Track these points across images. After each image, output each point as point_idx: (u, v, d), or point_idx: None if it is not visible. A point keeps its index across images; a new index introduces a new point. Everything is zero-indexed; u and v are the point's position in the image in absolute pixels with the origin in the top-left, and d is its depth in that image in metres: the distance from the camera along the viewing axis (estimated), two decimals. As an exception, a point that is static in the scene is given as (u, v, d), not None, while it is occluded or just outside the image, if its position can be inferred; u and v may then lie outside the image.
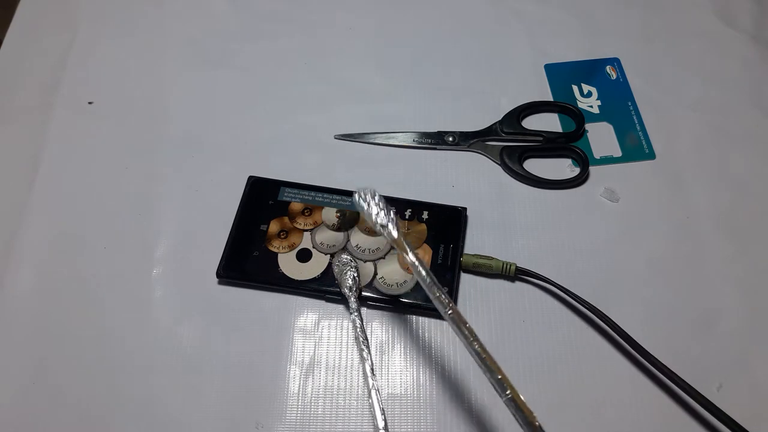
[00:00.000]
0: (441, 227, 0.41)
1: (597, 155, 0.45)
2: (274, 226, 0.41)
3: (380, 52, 0.51)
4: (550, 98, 0.48)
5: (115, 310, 0.39)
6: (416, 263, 0.32)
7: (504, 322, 0.39)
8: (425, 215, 0.42)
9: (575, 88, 0.49)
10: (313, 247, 0.40)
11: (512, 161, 0.44)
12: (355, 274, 0.38)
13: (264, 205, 0.42)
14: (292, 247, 0.40)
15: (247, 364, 0.37)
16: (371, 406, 0.33)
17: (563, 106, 0.48)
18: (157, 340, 0.38)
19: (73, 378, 0.37)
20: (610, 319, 0.37)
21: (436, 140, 0.46)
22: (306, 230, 0.41)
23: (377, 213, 0.33)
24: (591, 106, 0.48)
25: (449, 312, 0.30)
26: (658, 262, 0.41)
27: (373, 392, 0.33)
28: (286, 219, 0.42)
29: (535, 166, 0.45)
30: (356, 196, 0.34)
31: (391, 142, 0.46)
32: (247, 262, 0.40)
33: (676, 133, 0.47)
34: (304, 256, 0.40)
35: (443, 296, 0.31)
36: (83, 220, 0.43)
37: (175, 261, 0.41)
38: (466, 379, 0.37)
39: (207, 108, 0.48)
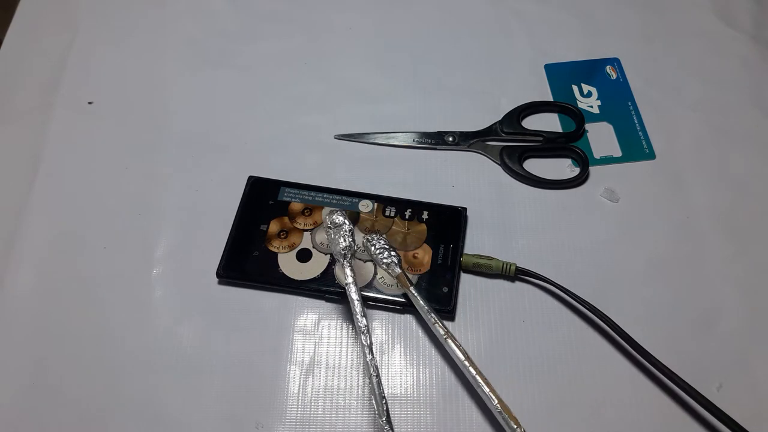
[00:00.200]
0: (441, 227, 0.41)
1: (597, 155, 0.45)
2: (274, 226, 0.41)
3: (380, 52, 0.51)
4: (550, 98, 0.48)
5: (115, 310, 0.39)
6: (416, 295, 0.36)
7: (504, 322, 0.39)
8: (425, 215, 0.42)
9: (575, 88, 0.49)
10: (313, 247, 0.40)
11: (512, 161, 0.44)
12: (351, 239, 0.36)
13: (264, 205, 0.42)
14: (292, 247, 0.40)
15: (247, 364, 0.37)
16: (372, 391, 0.32)
17: (563, 106, 0.48)
18: (157, 340, 0.38)
19: (73, 378, 0.37)
20: (610, 319, 0.37)
21: (436, 140, 0.46)
22: (306, 230, 0.41)
23: (381, 253, 0.38)
24: (591, 106, 0.48)
25: (445, 337, 0.35)
26: (658, 262, 0.41)
27: (372, 378, 0.32)
28: (286, 219, 0.42)
29: (535, 166, 0.45)
30: (364, 240, 0.39)
31: (391, 142, 0.46)
32: (247, 262, 0.40)
33: (676, 133, 0.47)
34: (304, 256, 0.40)
35: (439, 324, 0.35)
36: (83, 220, 0.43)
37: (175, 261, 0.41)
38: (467, 379, 0.37)
39: (207, 108, 0.48)
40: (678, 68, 0.50)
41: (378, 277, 0.39)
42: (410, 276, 0.39)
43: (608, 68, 0.50)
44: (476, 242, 0.42)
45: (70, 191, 0.44)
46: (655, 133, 0.46)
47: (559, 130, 0.47)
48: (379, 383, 0.33)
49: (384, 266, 0.38)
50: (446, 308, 0.38)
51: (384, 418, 0.32)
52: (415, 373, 0.37)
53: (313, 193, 0.43)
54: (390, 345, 0.38)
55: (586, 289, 0.39)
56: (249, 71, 0.50)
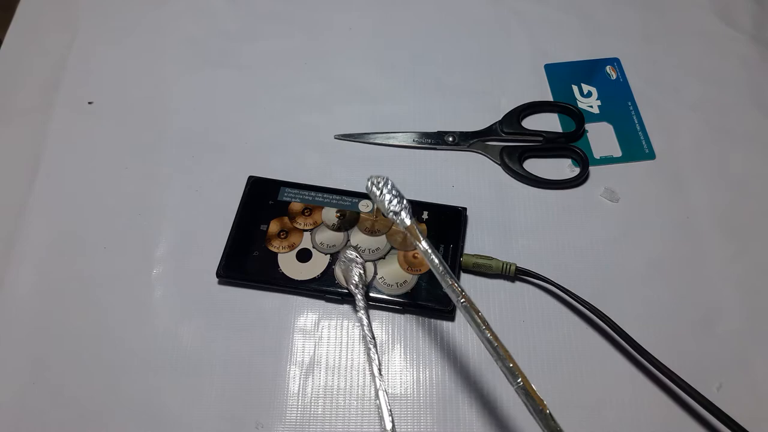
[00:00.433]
0: (441, 227, 0.41)
1: (597, 155, 0.45)
2: (274, 226, 0.41)
3: (380, 52, 0.51)
4: (550, 98, 0.48)
5: (115, 310, 0.39)
6: (429, 251, 0.31)
7: (504, 322, 0.39)
8: (425, 215, 0.42)
9: (575, 88, 0.49)
10: (313, 247, 0.40)
11: (512, 161, 0.44)
12: (362, 271, 0.38)
13: (264, 205, 0.42)
14: (292, 247, 0.40)
15: (247, 364, 0.37)
16: (378, 407, 0.33)
17: (563, 106, 0.48)
18: (157, 340, 0.38)
19: (73, 378, 0.37)
20: (610, 319, 0.37)
21: (436, 140, 0.46)
22: (306, 230, 0.41)
23: (390, 200, 0.33)
24: (591, 106, 0.48)
25: (462, 300, 0.30)
26: (658, 262, 0.41)
27: (381, 393, 0.33)
28: (286, 219, 0.42)
29: (535, 166, 0.45)
30: (369, 183, 0.34)
31: (391, 142, 0.46)
32: (247, 262, 0.40)
33: (676, 133, 0.47)
34: (304, 256, 0.40)
35: (456, 285, 0.31)
36: (83, 220, 0.43)
37: (175, 261, 0.41)
38: (467, 379, 0.37)
39: (207, 108, 0.48)
40: (678, 68, 0.50)
41: (378, 277, 0.39)
42: (407, 276, 0.39)
43: (608, 68, 0.50)
44: (476, 242, 0.42)
45: (70, 191, 0.44)
46: (655, 133, 0.46)
47: (559, 130, 0.47)
48: (387, 398, 0.33)
49: (392, 215, 0.32)
50: (446, 308, 0.38)
51: (389, 430, 0.32)
52: (415, 373, 0.37)
53: (313, 193, 0.43)
54: (390, 345, 0.38)
55: (586, 289, 0.39)
56: (249, 71, 0.50)
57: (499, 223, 0.42)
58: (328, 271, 0.39)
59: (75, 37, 0.52)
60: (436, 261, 0.31)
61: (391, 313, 0.39)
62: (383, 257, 0.40)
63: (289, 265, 0.40)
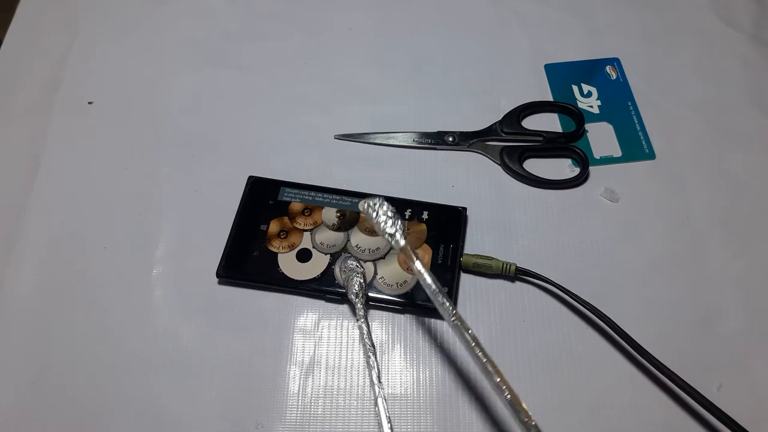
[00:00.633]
0: (441, 227, 0.41)
1: (597, 155, 0.45)
2: (274, 226, 0.41)
3: (380, 52, 0.51)
4: (550, 98, 0.48)
5: (115, 310, 0.39)
6: (422, 272, 0.32)
7: (504, 322, 0.39)
8: (425, 215, 0.42)
9: (575, 88, 0.49)
10: (313, 247, 0.40)
11: (512, 161, 0.44)
12: (362, 280, 0.38)
13: (264, 205, 0.42)
14: (292, 247, 0.40)
15: (247, 364, 0.37)
16: (377, 414, 0.33)
17: (563, 106, 0.48)
18: (157, 340, 0.38)
19: (73, 378, 0.37)
20: (610, 319, 0.37)
21: (436, 140, 0.46)
22: (306, 230, 0.41)
23: (385, 221, 0.33)
24: (591, 106, 0.48)
25: (453, 319, 0.31)
26: (658, 262, 0.41)
27: (380, 401, 0.33)
28: (286, 219, 0.42)
29: (535, 166, 0.45)
30: (365, 204, 0.34)
31: (391, 142, 0.46)
32: (247, 262, 0.40)
33: (676, 133, 0.47)
34: (304, 256, 0.40)
35: (447, 304, 0.32)
36: (83, 220, 0.43)
37: (175, 261, 0.41)
38: (467, 379, 0.37)
39: (207, 108, 0.48)
40: (678, 68, 0.50)
41: (378, 277, 0.39)
42: (406, 279, 0.39)
43: (608, 68, 0.50)
44: (476, 242, 0.42)
45: (70, 191, 0.44)
46: (655, 133, 0.46)
47: (559, 130, 0.47)
48: (386, 406, 0.33)
49: (387, 236, 0.33)
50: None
51: None
52: (415, 373, 0.37)
53: (313, 193, 0.43)
54: (390, 345, 0.38)
55: (586, 289, 0.39)
56: (249, 71, 0.50)
57: (499, 223, 0.42)
58: (328, 271, 0.39)
59: (75, 37, 0.52)
60: (429, 280, 0.32)
61: (391, 313, 0.39)
62: (383, 257, 0.40)
63: (289, 265, 0.40)
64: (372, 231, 0.41)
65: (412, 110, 0.48)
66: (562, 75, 0.50)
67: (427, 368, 0.37)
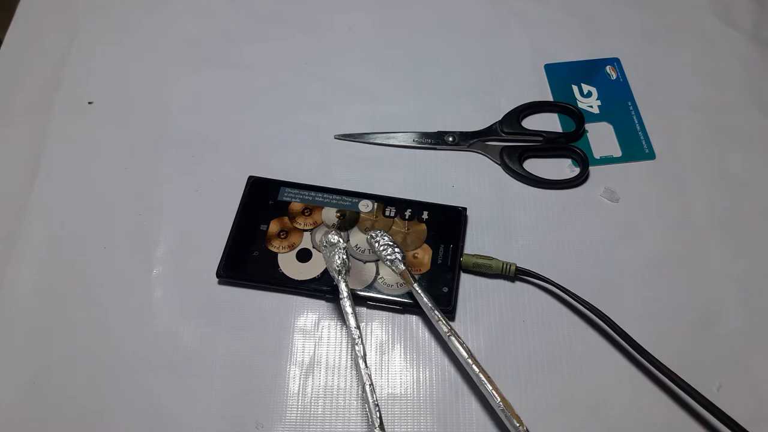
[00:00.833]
0: (441, 227, 0.41)
1: (597, 155, 0.45)
2: (274, 226, 0.41)
3: (380, 52, 0.51)
4: (550, 98, 0.48)
5: (115, 310, 0.39)
6: (420, 292, 0.36)
7: (504, 322, 0.39)
8: (425, 215, 0.42)
9: (575, 88, 0.49)
10: (313, 247, 0.40)
11: (512, 161, 0.44)
12: (344, 256, 0.37)
13: (264, 205, 0.42)
14: (292, 247, 0.40)
15: (247, 364, 0.37)
16: (365, 400, 0.33)
17: (563, 106, 0.48)
18: (157, 340, 0.38)
19: (73, 378, 0.37)
20: (610, 319, 0.37)
21: (436, 140, 0.46)
22: (306, 230, 0.41)
23: (385, 249, 0.38)
24: (591, 106, 0.48)
25: (448, 334, 0.35)
26: (658, 262, 0.41)
27: (367, 386, 0.33)
28: (286, 219, 0.42)
29: (535, 166, 0.45)
30: (368, 237, 0.39)
31: (391, 142, 0.46)
32: (247, 262, 0.40)
33: (676, 133, 0.47)
34: (304, 256, 0.40)
35: (443, 321, 0.35)
36: (83, 220, 0.43)
37: (175, 261, 0.41)
38: (466, 379, 0.37)
39: (207, 108, 0.48)
40: (678, 68, 0.50)
41: (379, 277, 0.39)
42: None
43: (608, 68, 0.50)
44: (476, 242, 0.42)
45: (70, 191, 0.44)
46: (655, 133, 0.46)
47: (559, 130, 0.47)
48: (373, 392, 0.33)
49: (388, 263, 0.37)
50: (446, 308, 0.38)
51: (377, 426, 0.32)
52: (415, 373, 0.37)
53: (313, 193, 0.43)
54: (390, 345, 0.38)
55: (586, 289, 0.39)
56: (249, 71, 0.50)
57: (499, 223, 0.42)
58: (328, 271, 0.39)
59: (75, 37, 0.52)
60: (425, 299, 0.36)
61: (391, 313, 0.39)
62: (383, 257, 0.40)
63: (289, 265, 0.40)
64: (374, 228, 0.41)
65: (412, 110, 0.48)
66: (562, 75, 0.50)
67: (427, 368, 0.37)
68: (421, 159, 0.45)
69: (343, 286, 0.36)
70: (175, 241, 0.42)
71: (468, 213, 0.42)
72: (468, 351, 0.34)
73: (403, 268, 0.37)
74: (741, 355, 0.38)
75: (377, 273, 0.39)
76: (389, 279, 0.39)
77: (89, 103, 0.48)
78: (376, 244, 0.38)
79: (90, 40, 0.52)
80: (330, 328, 0.39)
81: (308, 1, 0.54)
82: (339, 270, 0.36)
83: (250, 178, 0.43)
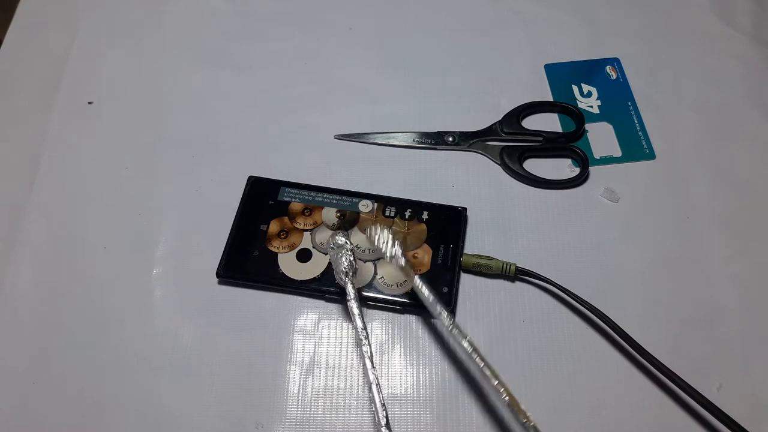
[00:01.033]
0: (441, 227, 0.41)
1: (597, 155, 0.45)
2: (274, 226, 0.41)
3: (380, 52, 0.51)
4: (550, 98, 0.48)
5: (115, 310, 0.39)
6: (420, 287, 0.35)
7: (504, 322, 0.39)
8: (425, 215, 0.42)
9: (575, 88, 0.49)
10: (313, 247, 0.40)
11: (512, 161, 0.44)
12: (351, 258, 0.37)
13: (264, 205, 0.42)
14: (292, 247, 0.41)
15: (247, 364, 0.37)
16: (372, 400, 0.33)
17: (563, 106, 0.48)
18: (157, 340, 0.38)
19: (73, 378, 0.37)
20: (609, 319, 0.37)
21: (436, 140, 0.46)
22: (306, 230, 0.41)
23: (385, 243, 0.37)
24: (591, 106, 0.48)
25: (450, 328, 0.34)
26: (658, 262, 0.41)
27: (373, 386, 0.33)
28: (286, 219, 0.42)
29: (535, 166, 0.45)
30: (369, 231, 0.38)
31: (391, 142, 0.46)
32: (247, 262, 0.40)
33: (676, 133, 0.47)
34: (304, 256, 0.40)
35: (444, 315, 0.34)
36: (83, 220, 0.43)
37: (175, 261, 0.41)
38: (467, 379, 0.37)
39: (207, 108, 0.48)
40: (678, 68, 0.50)
41: (378, 277, 0.39)
42: (406, 279, 0.39)
43: (608, 68, 0.50)
44: (476, 242, 0.42)
45: (70, 191, 0.44)
46: (655, 133, 0.46)
47: (559, 130, 0.47)
48: (380, 392, 0.33)
49: (388, 258, 0.37)
50: (446, 308, 0.38)
51: (384, 426, 0.32)
52: (415, 373, 0.37)
53: (313, 193, 0.43)
54: (390, 345, 0.38)
55: (586, 289, 0.39)
56: (249, 71, 0.50)
57: (499, 223, 0.42)
58: (328, 271, 0.39)
59: (75, 37, 0.52)
60: (426, 293, 0.35)
61: (391, 313, 0.39)
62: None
63: (289, 265, 0.40)
64: (373, 223, 0.41)
65: (412, 110, 0.48)
66: (562, 75, 0.50)
67: (427, 368, 0.37)
68: (421, 159, 0.45)
69: (350, 288, 0.36)
70: (175, 241, 0.42)
71: (468, 213, 0.42)
72: (472, 345, 0.33)
73: (404, 262, 0.36)
74: (741, 355, 0.38)
75: (375, 272, 0.39)
76: (389, 279, 0.39)
77: (89, 103, 0.48)
78: (376, 239, 0.37)
79: (90, 40, 0.52)
80: (330, 328, 0.39)
81: (308, 1, 0.54)
82: (346, 272, 0.37)
83: (250, 178, 0.43)
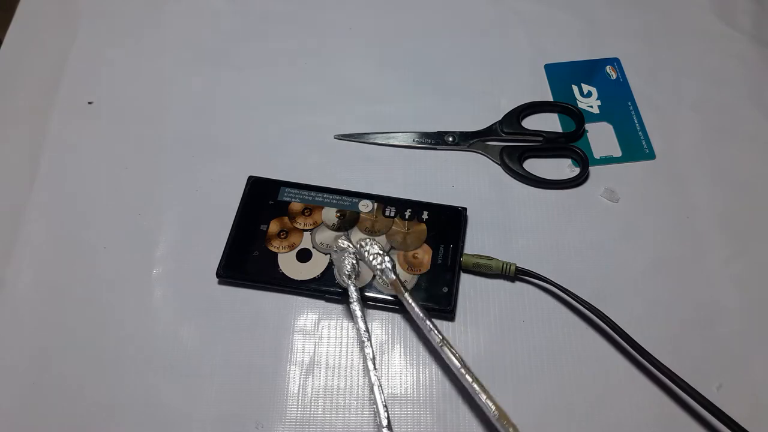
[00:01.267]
0: (441, 227, 0.41)
1: (597, 155, 0.45)
2: (274, 226, 0.41)
3: (380, 52, 0.51)
4: (550, 98, 0.48)
5: (115, 310, 0.39)
6: (411, 303, 0.36)
7: (504, 322, 0.39)
8: (425, 215, 0.42)
9: (575, 88, 0.49)
10: (313, 247, 0.40)
11: (512, 161, 0.44)
12: (354, 261, 0.37)
13: (264, 205, 0.42)
14: (292, 247, 0.40)
15: (247, 364, 0.37)
16: (374, 402, 0.33)
17: (563, 106, 0.48)
18: (157, 340, 0.38)
19: (74, 378, 0.37)
20: (610, 319, 0.37)
21: (436, 140, 0.46)
22: (306, 230, 0.41)
23: (374, 258, 0.37)
24: (591, 106, 0.48)
25: (440, 344, 0.34)
26: (658, 261, 0.41)
27: (375, 388, 0.33)
28: (286, 219, 0.42)
29: (535, 166, 0.45)
30: (359, 245, 0.38)
31: (391, 142, 0.46)
32: (247, 262, 0.40)
33: (676, 133, 0.47)
34: (304, 256, 0.40)
35: (435, 332, 0.35)
36: (83, 220, 0.43)
37: (175, 261, 0.41)
38: (465, 385, 0.37)
39: (207, 108, 0.48)
40: (678, 68, 0.50)
41: (378, 277, 0.39)
42: (407, 278, 0.39)
43: (608, 68, 0.50)
44: (476, 242, 0.42)
45: (70, 191, 0.44)
46: (655, 133, 0.46)
47: (559, 130, 0.47)
48: (381, 393, 0.33)
49: (378, 272, 0.37)
50: (446, 308, 0.38)
51: (385, 427, 0.32)
52: (415, 373, 0.37)
53: (313, 193, 0.43)
54: (390, 345, 0.38)
55: (586, 289, 0.39)
56: (249, 71, 0.50)
57: (499, 223, 0.42)
58: (328, 271, 0.39)
59: (75, 37, 0.52)
60: (416, 309, 0.35)
61: (391, 313, 0.39)
62: (383, 257, 0.40)
63: (289, 265, 0.40)
64: (372, 231, 0.41)
65: (412, 110, 0.48)
66: (562, 75, 0.50)
67: (427, 368, 0.37)
68: (421, 159, 0.45)
69: (353, 290, 0.37)
70: (175, 241, 0.42)
71: (468, 213, 0.42)
72: (461, 361, 0.34)
73: (393, 278, 0.36)
74: (741, 355, 0.38)
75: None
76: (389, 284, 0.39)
77: (89, 103, 0.48)
78: (366, 253, 0.37)
79: (90, 40, 0.52)
80: (330, 328, 0.39)
81: (308, 1, 0.54)
82: (349, 275, 0.37)
83: (250, 178, 0.43)
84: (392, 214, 0.42)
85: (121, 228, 0.42)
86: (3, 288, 0.40)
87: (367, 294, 0.39)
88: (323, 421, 0.36)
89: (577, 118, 0.47)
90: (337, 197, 0.42)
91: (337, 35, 0.52)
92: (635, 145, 0.46)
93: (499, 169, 0.45)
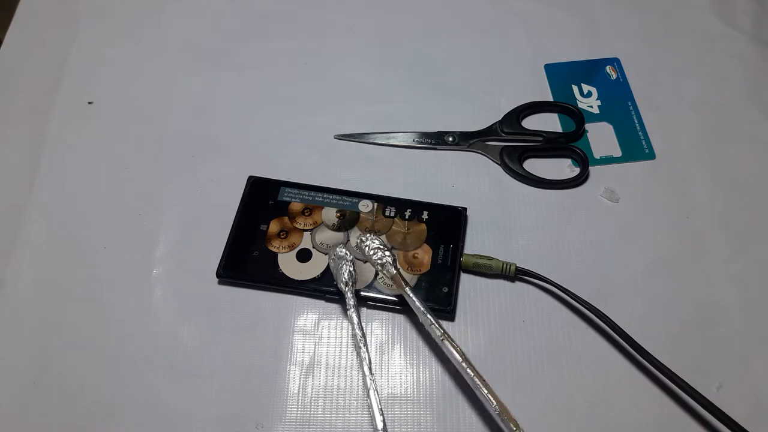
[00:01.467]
0: (441, 227, 0.41)
1: (597, 155, 0.45)
2: (274, 226, 0.41)
3: (380, 52, 0.51)
4: (550, 98, 0.48)
5: (115, 310, 0.39)
6: (412, 296, 0.36)
7: (504, 322, 0.39)
8: (425, 215, 0.42)
9: (575, 88, 0.49)
10: (313, 247, 0.40)
11: (512, 161, 0.44)
12: (351, 269, 0.37)
13: (264, 205, 0.42)
14: (292, 247, 0.41)
15: (247, 364, 0.37)
16: (369, 405, 0.33)
17: (563, 106, 0.48)
18: (157, 340, 0.38)
19: (74, 378, 0.37)
20: (609, 319, 0.37)
21: (436, 140, 0.46)
22: (306, 230, 0.41)
23: (374, 253, 0.37)
24: (591, 106, 0.48)
25: (442, 338, 0.34)
26: (658, 261, 0.41)
27: (371, 392, 0.33)
28: (286, 219, 0.42)
29: (535, 166, 0.45)
30: (359, 240, 0.38)
31: (391, 142, 0.46)
32: (247, 262, 0.40)
33: (676, 133, 0.47)
34: (304, 256, 0.40)
35: (435, 326, 0.35)
36: (83, 220, 0.43)
37: (175, 261, 0.41)
38: (466, 379, 0.37)
39: (207, 108, 0.48)
40: (678, 68, 0.50)
41: (379, 277, 0.39)
42: (407, 276, 0.39)
43: (608, 68, 0.50)
44: (476, 242, 0.42)
45: (70, 191, 0.44)
46: (655, 133, 0.46)
47: (559, 130, 0.47)
48: (377, 397, 0.33)
49: (378, 266, 0.37)
50: (446, 308, 0.38)
51: (380, 430, 0.32)
52: (415, 373, 0.37)
53: (313, 193, 0.43)
54: (390, 345, 0.38)
55: (586, 289, 0.39)
56: (249, 71, 0.50)
57: (499, 223, 0.42)
58: (328, 271, 0.39)
59: (75, 37, 0.52)
60: (417, 303, 0.35)
61: (391, 313, 0.39)
62: (383, 257, 0.40)
63: (289, 265, 0.40)
64: (372, 231, 0.41)
65: (412, 110, 0.48)
66: (562, 75, 0.50)
67: (427, 368, 0.37)
68: (421, 159, 0.45)
69: (350, 296, 0.37)
70: (175, 241, 0.42)
71: (468, 213, 0.42)
72: (462, 355, 0.34)
73: (394, 272, 0.37)
74: (741, 355, 0.38)
75: (377, 273, 0.39)
76: (389, 279, 0.39)
77: (89, 103, 0.48)
78: (366, 248, 0.37)
79: (90, 40, 0.52)
80: (330, 328, 0.39)
81: (308, 1, 0.54)
82: (347, 282, 0.37)
83: (250, 178, 0.43)
84: (392, 214, 0.42)
85: (121, 228, 0.42)
86: (3, 288, 0.40)
87: (368, 294, 0.39)
88: (323, 421, 0.36)
89: (577, 118, 0.47)
90: (337, 197, 0.42)
91: (337, 35, 0.52)
92: (635, 145, 0.46)
93: (499, 169, 0.45)
